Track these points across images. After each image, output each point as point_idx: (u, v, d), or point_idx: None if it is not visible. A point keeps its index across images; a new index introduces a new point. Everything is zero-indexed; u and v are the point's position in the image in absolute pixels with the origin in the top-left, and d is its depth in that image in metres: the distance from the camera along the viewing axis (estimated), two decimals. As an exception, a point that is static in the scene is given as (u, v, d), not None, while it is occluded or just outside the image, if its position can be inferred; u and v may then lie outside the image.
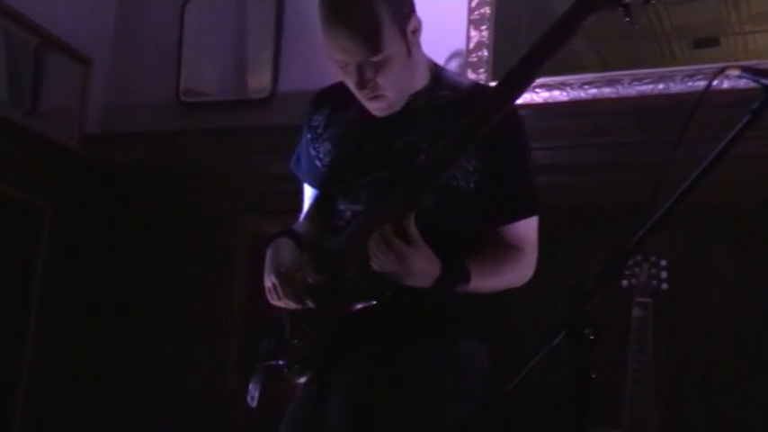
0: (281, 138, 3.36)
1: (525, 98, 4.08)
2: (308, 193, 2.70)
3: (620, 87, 4.00)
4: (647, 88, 3.96)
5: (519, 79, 2.11)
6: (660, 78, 3.94)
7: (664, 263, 3.31)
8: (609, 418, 3.11)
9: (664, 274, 3.29)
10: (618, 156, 3.97)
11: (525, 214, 2.42)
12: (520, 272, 2.43)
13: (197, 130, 4.83)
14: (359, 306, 2.29)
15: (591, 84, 4.06)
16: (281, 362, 2.46)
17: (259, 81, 4.80)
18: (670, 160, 1.82)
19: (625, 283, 3.28)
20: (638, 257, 3.29)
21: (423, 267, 2.21)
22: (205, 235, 4.77)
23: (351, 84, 2.38)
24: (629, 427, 3.12)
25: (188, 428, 4.51)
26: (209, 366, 4.58)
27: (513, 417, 3.20)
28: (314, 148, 2.60)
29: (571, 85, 4.08)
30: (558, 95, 4.10)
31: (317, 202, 2.65)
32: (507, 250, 2.39)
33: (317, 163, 2.59)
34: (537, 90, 4.10)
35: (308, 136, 2.61)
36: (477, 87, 2.54)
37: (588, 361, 1.65)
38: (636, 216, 1.64)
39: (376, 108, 2.41)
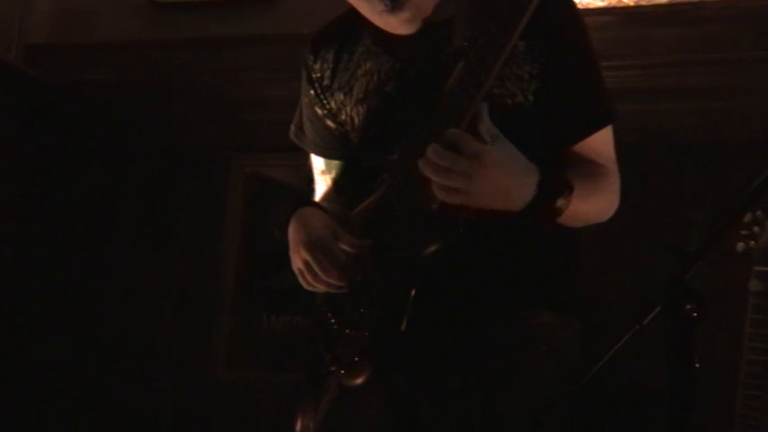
0: (288, 50, 3.36)
1: (611, 0, 4.09)
2: (320, 167, 2.74)
3: (736, -13, 3.98)
4: (772, -12, 3.94)
5: None
6: (790, -25, 3.92)
7: (793, 220, 3.29)
8: (716, 421, 3.12)
9: (792, 236, 3.27)
10: (731, 77, 3.95)
11: (601, 123, 2.44)
12: (613, 192, 2.45)
13: (177, 41, 4.84)
14: (428, 251, 2.28)
15: (698, -19, 4.04)
16: (332, 368, 2.50)
17: (259, -24, 4.80)
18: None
19: (741, 246, 3.25)
20: (758, 212, 3.27)
21: (511, 170, 2.17)
22: (189, 177, 4.81)
23: (363, 3, 2.42)
24: (742, 433, 3.13)
25: (167, 428, 4.56)
26: (193, 351, 4.63)
27: (594, 413, 3.21)
28: (321, 106, 2.64)
29: (671, -17, 4.06)
30: (653, -4, 4.08)
31: (337, 172, 2.70)
32: (593, 166, 2.40)
33: (329, 122, 2.64)
34: (625, -11, 4.09)
35: (311, 93, 2.65)
36: None
37: (690, 346, 1.64)
38: (755, 156, 1.62)
39: (400, 21, 2.43)
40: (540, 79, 2.38)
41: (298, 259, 2.46)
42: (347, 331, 2.46)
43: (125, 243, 4.85)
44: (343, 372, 2.45)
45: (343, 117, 2.59)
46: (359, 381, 2.42)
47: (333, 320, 2.50)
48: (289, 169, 3.59)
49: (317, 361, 2.53)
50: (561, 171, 2.28)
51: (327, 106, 2.62)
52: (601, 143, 2.44)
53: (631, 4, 4.09)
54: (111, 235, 4.89)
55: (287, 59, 2.89)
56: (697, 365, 1.64)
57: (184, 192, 4.80)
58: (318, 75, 2.63)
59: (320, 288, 2.45)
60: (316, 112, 2.66)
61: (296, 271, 2.48)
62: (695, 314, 1.64)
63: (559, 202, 2.22)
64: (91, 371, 4.75)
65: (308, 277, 2.44)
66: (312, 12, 2.71)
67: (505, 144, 2.17)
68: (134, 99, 4.92)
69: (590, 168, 2.38)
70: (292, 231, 2.51)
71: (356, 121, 2.55)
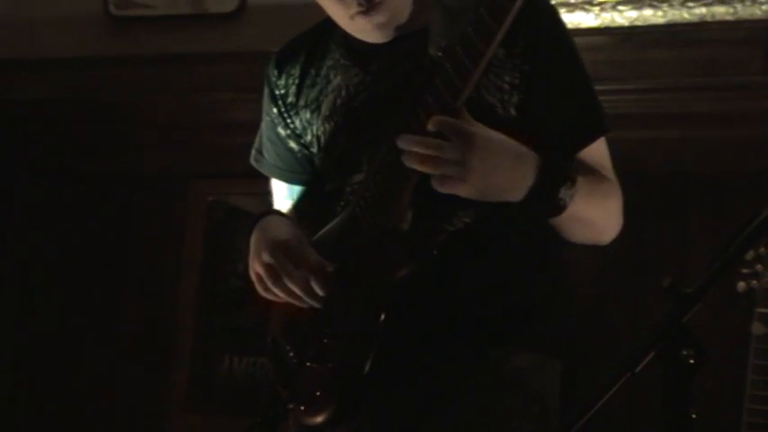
0: (254, 69, 3.36)
1: (603, 19, 4.10)
2: (282, 192, 2.76)
3: (739, 6, 3.99)
4: (779, 8, 3.96)
5: None
6: (799, -6, 3.95)
7: (798, 259, 3.30)
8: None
9: (798, 275, 3.28)
10: (736, 103, 3.97)
11: (597, 133, 2.46)
12: (618, 199, 2.47)
13: (134, 57, 4.84)
14: (399, 274, 2.30)
15: (697, 0, 4.06)
16: (290, 405, 2.49)
17: (223, -11, 4.83)
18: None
19: (742, 286, 3.26)
20: (761, 250, 3.28)
21: (506, 151, 2.22)
22: (145, 205, 4.80)
23: (335, 4, 2.44)
24: (743, 491, 3.13)
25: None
26: (147, 394, 4.61)
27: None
28: (284, 126, 2.66)
29: (669, 2, 4.07)
30: (650, 16, 4.09)
31: (299, 198, 2.72)
32: (594, 171, 2.41)
33: (292, 144, 2.66)
34: (619, 7, 4.09)
35: (274, 112, 2.67)
36: None
37: (687, 395, 1.65)
38: (760, 189, 1.63)
39: (373, 25, 2.45)
40: (522, 90, 2.40)
41: (257, 263, 2.44)
42: (308, 364, 2.45)
43: (66, 278, 4.84)
44: (302, 408, 2.44)
45: (309, 137, 2.60)
46: (320, 419, 2.41)
47: (291, 354, 2.50)
48: (256, 197, 3.56)
49: (274, 398, 2.51)
50: (563, 161, 2.31)
51: (291, 126, 2.64)
52: (597, 154, 2.45)
53: (626, 24, 4.10)
54: (50, 269, 4.88)
55: (253, 79, 2.90)
56: (694, 416, 1.65)
57: (137, 221, 4.80)
58: (283, 91, 2.65)
59: (279, 295, 2.42)
60: (278, 133, 2.68)
61: (253, 277, 2.46)
62: (692, 360, 1.64)
63: (562, 193, 2.26)
64: (26, 421, 4.73)
65: (269, 282, 2.41)
66: (280, 27, 2.72)
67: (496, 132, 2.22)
68: (84, 119, 4.93)
69: (592, 173, 2.39)
70: (254, 239, 2.50)
71: (322, 140, 2.56)
